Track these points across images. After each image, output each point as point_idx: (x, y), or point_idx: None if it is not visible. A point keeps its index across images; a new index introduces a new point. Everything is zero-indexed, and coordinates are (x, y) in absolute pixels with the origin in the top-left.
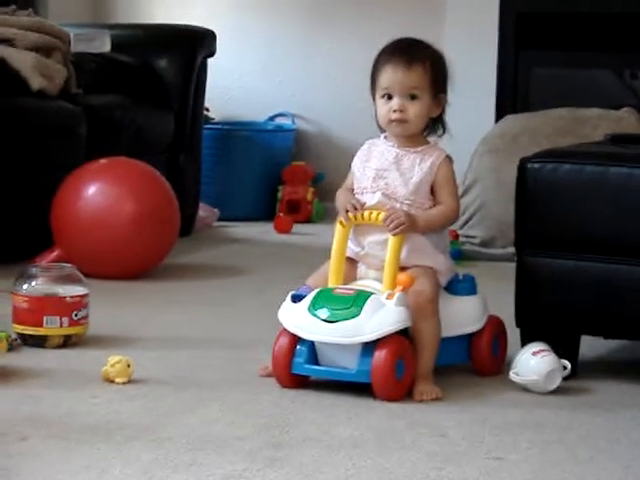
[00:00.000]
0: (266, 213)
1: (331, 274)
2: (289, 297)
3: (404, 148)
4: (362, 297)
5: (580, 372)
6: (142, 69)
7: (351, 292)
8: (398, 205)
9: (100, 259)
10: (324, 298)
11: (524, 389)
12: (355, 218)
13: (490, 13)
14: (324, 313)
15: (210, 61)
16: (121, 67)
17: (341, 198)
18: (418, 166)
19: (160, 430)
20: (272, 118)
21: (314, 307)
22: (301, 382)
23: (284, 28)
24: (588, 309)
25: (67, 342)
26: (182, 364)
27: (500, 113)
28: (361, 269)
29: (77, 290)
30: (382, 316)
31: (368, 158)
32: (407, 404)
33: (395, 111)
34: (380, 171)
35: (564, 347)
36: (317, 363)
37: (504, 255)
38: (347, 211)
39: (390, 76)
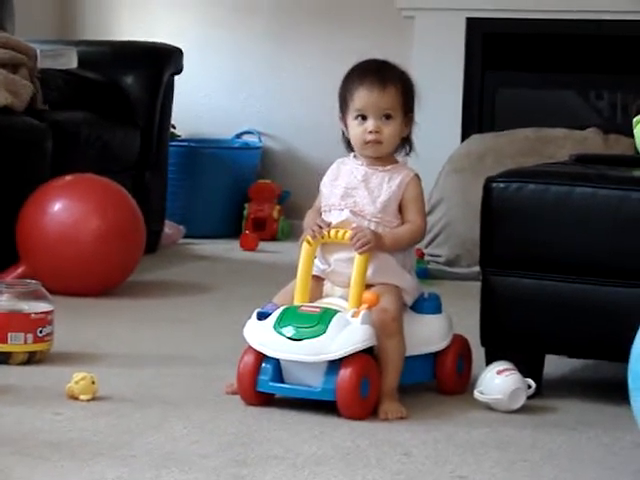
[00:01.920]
0: (232, 230)
1: (297, 292)
2: (255, 315)
3: (373, 167)
4: (328, 315)
5: (544, 391)
6: (109, 86)
7: (317, 310)
8: (366, 223)
9: (65, 275)
10: (290, 316)
11: (488, 408)
12: (322, 237)
13: (457, 33)
14: (289, 331)
15: (177, 78)
16: (88, 84)
17: (308, 219)
18: (387, 184)
19: (124, 447)
20: (238, 136)
21: (279, 325)
22: (266, 400)
23: (251, 46)
24: (553, 328)
25: (31, 359)
26: (147, 381)
27: (466, 133)
28: (327, 286)
29: (42, 307)
30: (347, 334)
31: (337, 177)
32: (371, 423)
33: (371, 132)
34: (349, 189)
35: (528, 366)
36: (282, 381)
37: (469, 274)
38: (313, 230)
39: (365, 98)
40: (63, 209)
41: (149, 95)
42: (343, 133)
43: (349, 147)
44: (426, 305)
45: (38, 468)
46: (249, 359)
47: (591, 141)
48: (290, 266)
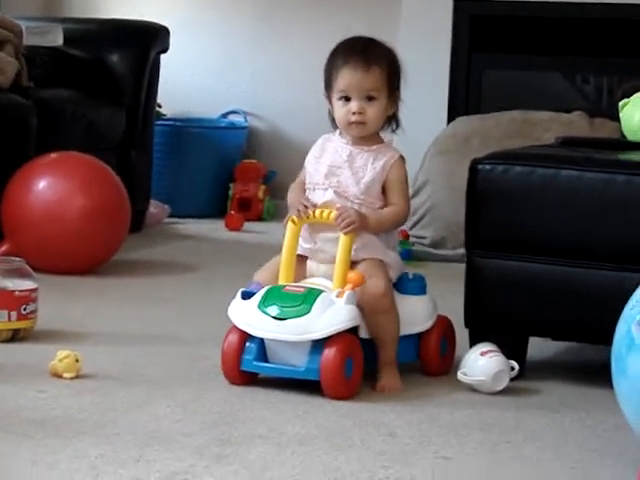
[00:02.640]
0: (217, 210)
1: (282, 272)
2: (239, 294)
3: (358, 146)
4: (312, 295)
5: (528, 373)
6: (94, 64)
7: (301, 290)
8: (349, 204)
9: (50, 253)
10: (274, 295)
11: (472, 389)
12: (307, 217)
13: (444, 15)
14: (274, 310)
15: (163, 57)
16: (73, 61)
17: (292, 195)
18: (371, 165)
19: (108, 426)
20: (224, 115)
21: (264, 304)
22: (250, 379)
23: (238, 25)
24: (537, 311)
25: (15, 336)
26: (131, 360)
27: (452, 115)
28: (311, 265)
29: (26, 284)
30: (332, 314)
31: (321, 154)
32: (355, 403)
33: (354, 113)
34: (333, 168)
35: (512, 348)
36: (266, 360)
37: (454, 256)
38: (298, 210)
39: (348, 79)
40: (48, 187)
41: (135, 74)
42: (329, 111)
43: (334, 124)
44: (411, 286)
45: (22, 445)
46: (233, 338)
47: (577, 124)
48: (275, 246)
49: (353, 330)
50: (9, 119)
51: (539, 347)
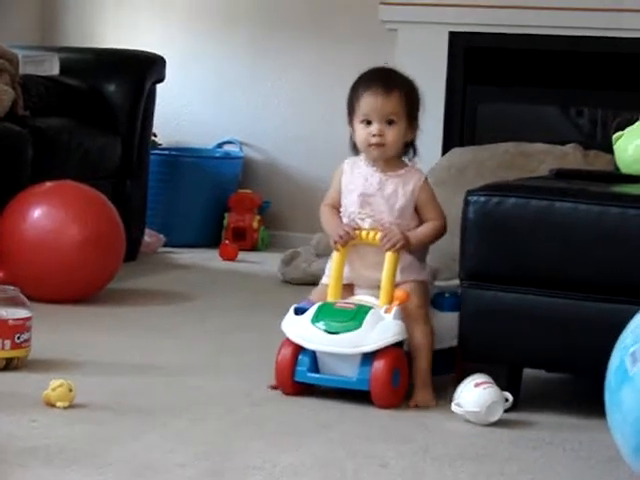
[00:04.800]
0: (212, 240)
1: (330, 292)
2: (292, 310)
3: (386, 173)
4: (362, 311)
5: (522, 404)
6: (91, 93)
7: (352, 306)
8: None
9: (44, 282)
10: (326, 311)
11: (466, 420)
12: (353, 239)
13: (439, 47)
14: (326, 325)
15: (159, 87)
16: (69, 91)
17: (332, 223)
18: (401, 190)
19: (101, 455)
20: (220, 145)
21: (317, 319)
22: (303, 389)
23: (233, 57)
24: (531, 343)
25: (9, 365)
26: (124, 389)
27: (447, 146)
28: (358, 291)
29: (20, 313)
30: (381, 329)
31: (351, 181)
32: (349, 432)
33: (374, 135)
34: (366, 196)
35: (506, 379)
36: (318, 372)
37: (448, 287)
38: (341, 237)
39: (370, 103)
40: (43, 216)
41: (131, 103)
42: (350, 137)
43: (355, 151)
44: (447, 303)
45: (15, 475)
46: (287, 351)
47: (571, 157)
48: (269, 276)
49: (399, 343)
50: (4, 148)
51: (533, 378)
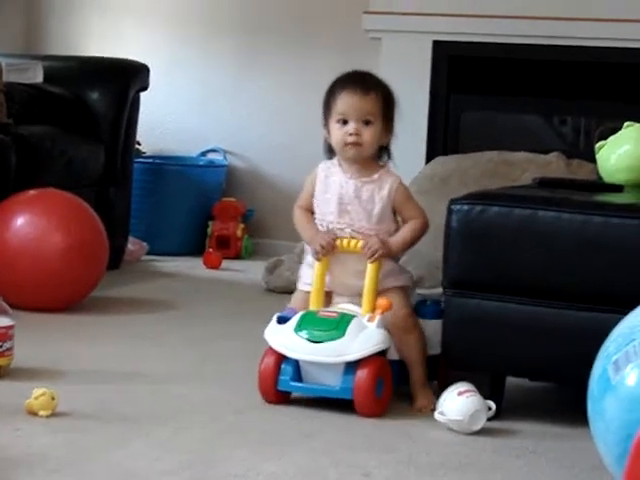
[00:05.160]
0: (195, 248)
1: (312, 300)
2: (275, 318)
3: (361, 179)
4: (345, 319)
5: (505, 413)
6: (74, 101)
7: (334, 315)
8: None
9: (27, 291)
10: (309, 320)
11: (449, 429)
12: (334, 248)
13: (423, 56)
14: (309, 334)
15: (143, 95)
16: (53, 98)
17: (310, 231)
18: (377, 196)
19: (84, 464)
20: (204, 153)
21: (300, 328)
22: (285, 398)
23: (217, 64)
24: (514, 351)
25: None
26: (107, 398)
27: (431, 155)
28: (337, 299)
29: (3, 321)
30: (364, 337)
31: (326, 189)
32: (331, 441)
33: (351, 134)
34: (343, 205)
35: (489, 388)
36: (301, 381)
37: (431, 295)
38: (322, 247)
39: (347, 102)
40: (26, 224)
41: (114, 111)
42: (325, 139)
43: (330, 153)
44: (428, 310)
45: None
46: (270, 360)
47: (554, 165)
48: (253, 284)
49: (382, 352)
50: None
51: (516, 387)
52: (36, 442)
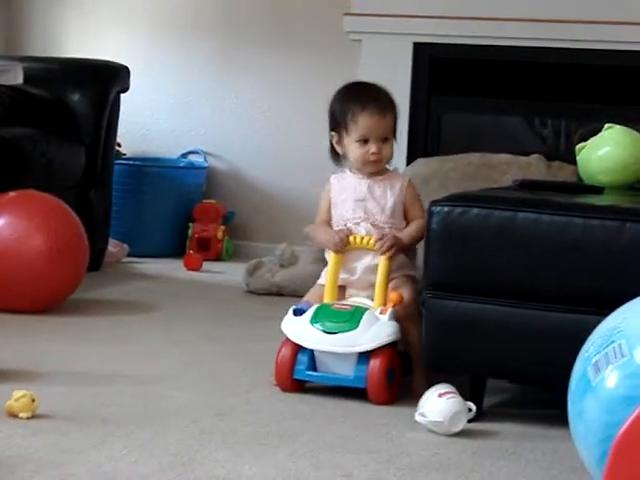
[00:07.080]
0: (176, 250)
1: (326, 294)
2: (291, 311)
3: (373, 178)
4: (359, 312)
5: (485, 415)
6: (54, 103)
7: (348, 307)
8: (381, 230)
9: (7, 292)
10: (324, 312)
11: (429, 430)
12: (349, 244)
13: (403, 58)
14: (325, 325)
15: (123, 96)
16: (33, 100)
17: (325, 234)
18: (390, 191)
19: (64, 466)
20: (184, 155)
21: (315, 320)
22: (301, 387)
23: (198, 66)
24: (494, 353)
25: None
26: (88, 400)
27: (411, 157)
28: (350, 292)
29: None
30: (377, 329)
31: (341, 192)
32: (312, 443)
33: (374, 153)
34: (358, 201)
35: (470, 389)
36: (316, 370)
37: None
38: (337, 241)
39: (367, 124)
40: (6, 225)
41: (95, 113)
42: (331, 145)
43: (336, 161)
44: None
45: None
46: (286, 351)
47: (535, 167)
48: (234, 286)
49: (393, 343)
50: None
51: (496, 388)
52: (16, 444)
